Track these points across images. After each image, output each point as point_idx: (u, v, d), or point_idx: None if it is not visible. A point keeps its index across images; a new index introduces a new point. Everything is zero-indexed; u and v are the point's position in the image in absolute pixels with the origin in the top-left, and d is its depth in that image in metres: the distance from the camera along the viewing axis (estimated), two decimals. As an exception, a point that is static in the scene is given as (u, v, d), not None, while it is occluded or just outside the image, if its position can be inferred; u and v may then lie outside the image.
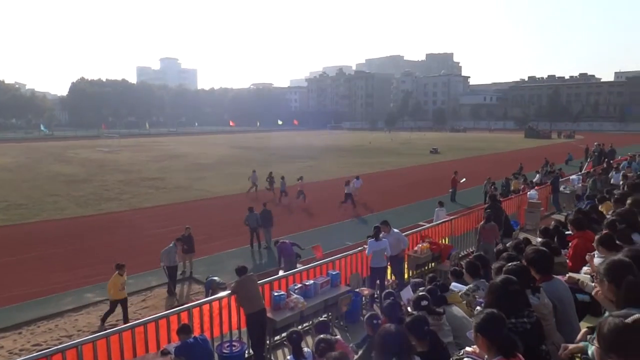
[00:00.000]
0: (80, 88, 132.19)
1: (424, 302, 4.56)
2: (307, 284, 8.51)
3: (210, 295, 9.36)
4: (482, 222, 12.40)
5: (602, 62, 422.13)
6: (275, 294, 8.02)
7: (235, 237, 17.18)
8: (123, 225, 19.80)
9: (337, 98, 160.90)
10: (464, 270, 6.19)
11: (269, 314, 7.82)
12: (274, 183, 26.68)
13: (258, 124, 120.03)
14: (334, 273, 9.06)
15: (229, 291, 8.01)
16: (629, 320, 1.78)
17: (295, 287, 8.42)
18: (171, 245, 12.68)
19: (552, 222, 9.42)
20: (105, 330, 7.67)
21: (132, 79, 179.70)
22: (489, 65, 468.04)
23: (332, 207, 22.45)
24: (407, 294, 6.27)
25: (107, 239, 17.62)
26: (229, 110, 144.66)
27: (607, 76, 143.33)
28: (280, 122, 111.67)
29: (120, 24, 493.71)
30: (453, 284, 6.74)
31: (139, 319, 8.77)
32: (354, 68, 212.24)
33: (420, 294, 4.77)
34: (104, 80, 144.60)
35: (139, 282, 13.11)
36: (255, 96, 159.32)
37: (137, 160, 46.24)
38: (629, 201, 6.95)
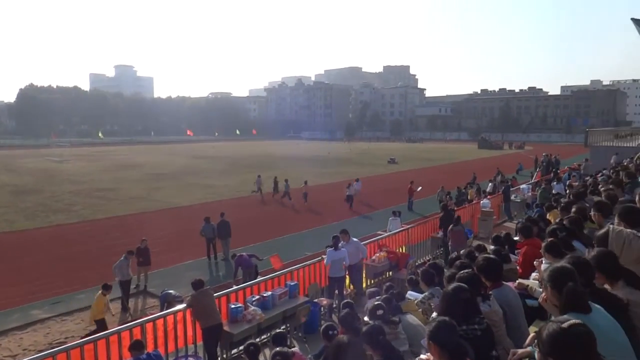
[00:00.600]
0: (29, 95, 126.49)
1: (380, 312, 4.61)
2: (265, 295, 8.45)
3: (166, 309, 9.13)
4: (451, 226, 13.07)
5: (550, 77, 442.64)
6: (233, 306, 7.91)
7: (192, 248, 16.84)
8: (74, 238, 19.05)
9: (296, 108, 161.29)
10: (419, 279, 6.30)
11: (225, 327, 7.70)
12: (278, 185, 28.79)
13: (216, 133, 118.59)
14: (292, 284, 9.04)
15: (185, 304, 7.84)
16: (565, 325, 1.86)
17: (253, 299, 8.33)
18: (122, 258, 12.28)
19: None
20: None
21: (85, 86, 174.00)
22: (443, 78, 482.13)
23: (293, 216, 22.41)
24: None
25: (56, 253, 16.90)
26: (187, 119, 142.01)
27: (554, 90, 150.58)
28: (238, 132, 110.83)
29: (72, 29, 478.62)
30: (409, 292, 6.84)
31: (90, 335, 8.43)
32: (313, 79, 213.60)
33: (376, 303, 4.81)
34: (55, 87, 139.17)
35: (90, 297, 12.59)
36: (213, 105, 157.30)
37: (89, 170, 44.69)
38: (573, 209, 7.28)
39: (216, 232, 16.08)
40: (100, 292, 10.35)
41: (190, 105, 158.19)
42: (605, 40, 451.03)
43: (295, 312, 8.60)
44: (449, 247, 13.02)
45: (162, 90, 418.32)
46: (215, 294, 8.12)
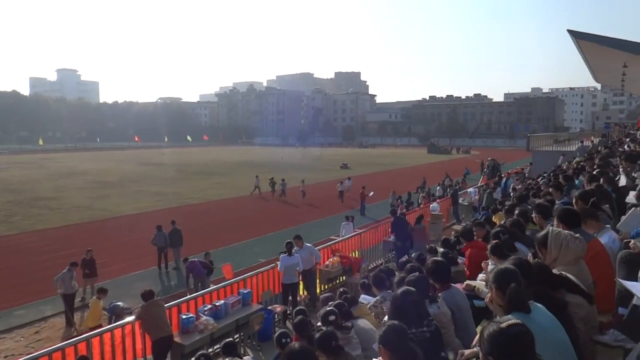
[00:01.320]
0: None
1: (332, 317, 4.63)
2: (217, 304, 8.29)
3: (115, 322, 8.78)
4: (413, 224, 14.08)
5: (494, 84, 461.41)
6: (184, 316, 7.72)
7: (141, 258, 16.32)
8: (13, 250, 18.03)
9: (248, 114, 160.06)
10: (371, 283, 6.38)
11: (177, 339, 7.50)
12: (275, 185, 32.05)
13: (166, 139, 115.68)
14: (245, 292, 8.92)
15: (134, 316, 7.58)
16: (504, 325, 1.93)
17: (205, 309, 8.16)
18: (65, 270, 11.70)
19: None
20: None
21: (25, 90, 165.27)
22: (393, 84, 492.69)
23: (241, 223, 22.17)
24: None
25: (-7, 266, 15.92)
26: (135, 125, 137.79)
27: (498, 97, 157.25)
28: (189, 138, 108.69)
29: (11, 31, 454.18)
30: (362, 296, 6.91)
31: (31, 353, 7.98)
32: (264, 84, 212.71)
33: (328, 309, 4.83)
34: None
35: (31, 313, 11.98)
36: (162, 110, 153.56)
37: (29, 178, 42.42)
38: (516, 212, 7.60)
39: (168, 241, 15.67)
40: (94, 297, 10.24)
41: (139, 111, 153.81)
42: (545, 50, 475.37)
43: (249, 320, 8.49)
44: (412, 245, 13.62)
45: (108, 95, 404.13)
46: (166, 305, 7.90)
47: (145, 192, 33.24)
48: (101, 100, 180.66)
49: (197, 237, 18.84)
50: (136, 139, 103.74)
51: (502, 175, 27.52)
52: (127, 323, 7.45)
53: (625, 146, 14.49)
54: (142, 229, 19.58)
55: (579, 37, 24.73)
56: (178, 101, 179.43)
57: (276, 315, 9.69)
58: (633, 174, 7.05)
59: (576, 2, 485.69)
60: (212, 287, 9.62)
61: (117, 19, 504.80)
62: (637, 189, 5.71)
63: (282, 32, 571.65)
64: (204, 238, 19.07)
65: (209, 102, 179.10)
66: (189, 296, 8.78)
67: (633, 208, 4.56)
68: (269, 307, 9.51)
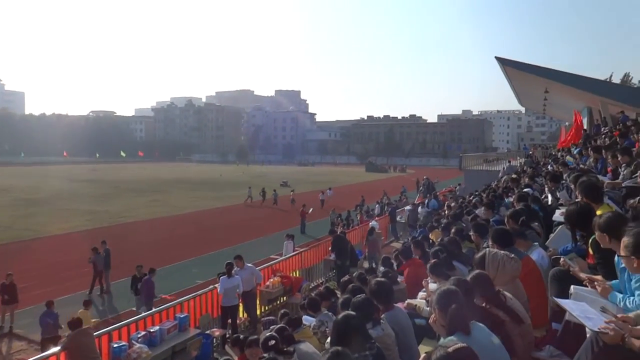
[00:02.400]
0: None
1: (272, 342, 4.53)
2: (152, 330, 7.89)
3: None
4: (366, 236, 15.58)
5: (428, 105, 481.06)
6: (115, 345, 7.27)
7: (69, 281, 15.34)
8: None
9: (186, 129, 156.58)
10: (306, 306, 6.36)
11: (107, 369, 7.06)
12: (266, 194, 37.10)
13: (97, 154, 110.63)
14: (182, 316, 8.57)
15: (59, 347, 7.05)
16: (450, 349, 1.97)
17: (139, 336, 7.73)
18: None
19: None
20: None
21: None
22: (332, 103, 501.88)
23: (179, 243, 21.48)
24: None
25: None
26: (64, 139, 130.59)
27: (432, 118, 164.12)
28: (123, 154, 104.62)
29: None
30: (304, 317, 6.83)
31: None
32: (203, 100, 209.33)
33: (268, 334, 4.73)
34: None
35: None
36: (94, 124, 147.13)
37: (-59, 196, 38.99)
38: (453, 230, 7.86)
39: (103, 263, 14.82)
40: (81, 310, 10.23)
41: (68, 124, 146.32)
42: (474, 74, 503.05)
43: (186, 346, 8.15)
44: (365, 255, 15.64)
45: (35, 106, 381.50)
46: (95, 333, 7.43)
47: (74, 210, 31.45)
48: (27, 112, 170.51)
49: (130, 258, 17.99)
50: (65, 154, 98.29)
51: (437, 193, 28.54)
52: (52, 355, 6.91)
53: (549, 166, 15.46)
54: (70, 250, 18.48)
55: (506, 64, 26.44)
56: (111, 115, 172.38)
57: (215, 340, 9.38)
58: (557, 193, 7.50)
59: (504, 31, 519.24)
60: (145, 312, 9.17)
61: (46, 26, 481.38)
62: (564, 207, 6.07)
63: (221, 48, 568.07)
64: (136, 259, 18.15)
65: (145, 117, 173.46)
66: (120, 323, 8.30)
67: (561, 226, 4.83)
68: (208, 332, 9.19)
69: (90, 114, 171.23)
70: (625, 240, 2.46)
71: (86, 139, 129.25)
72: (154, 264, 16.71)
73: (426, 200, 23.00)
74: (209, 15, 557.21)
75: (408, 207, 24.56)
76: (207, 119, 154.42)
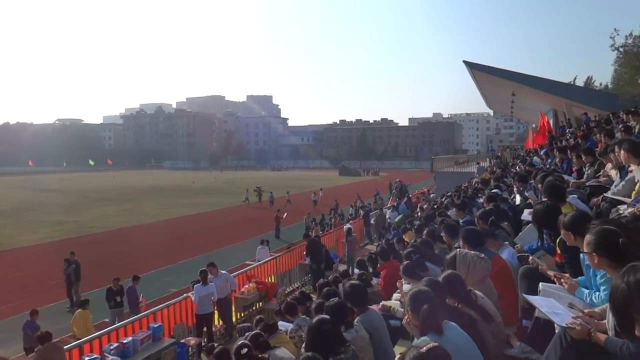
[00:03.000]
0: None
1: (244, 351, 4.51)
2: (124, 341, 7.71)
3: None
4: (345, 237, 16.41)
5: (399, 109, 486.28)
6: (87, 358, 7.09)
7: (36, 295, 14.87)
8: None
9: (156, 136, 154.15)
10: (282, 310, 6.34)
11: (78, 383, 6.86)
12: (261, 195, 40.76)
13: (65, 164, 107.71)
14: (155, 326, 8.40)
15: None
16: (424, 349, 2.01)
17: (111, 347, 7.55)
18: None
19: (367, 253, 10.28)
20: None
21: None
22: (305, 108, 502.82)
23: (151, 251, 21.10)
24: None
25: None
26: (29, 148, 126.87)
27: (403, 121, 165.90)
28: (91, 162, 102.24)
29: None
30: (280, 322, 6.81)
31: None
32: (174, 106, 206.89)
33: (240, 342, 4.70)
34: None
35: None
36: (61, 133, 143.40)
37: None
38: (425, 232, 7.96)
39: (75, 274, 14.42)
40: (80, 310, 10.50)
41: (33, 133, 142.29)
42: (444, 78, 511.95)
43: (160, 357, 8.00)
44: (345, 254, 16.37)
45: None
46: (65, 347, 7.22)
47: (41, 221, 30.54)
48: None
49: (100, 269, 17.59)
50: (30, 163, 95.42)
51: (410, 195, 28.87)
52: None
53: (517, 167, 15.84)
54: (37, 263, 17.91)
55: (474, 68, 27.01)
56: (79, 123, 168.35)
57: (190, 349, 9.24)
58: (525, 193, 7.69)
59: (471, 35, 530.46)
60: (118, 324, 8.97)
61: (8, 31, 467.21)
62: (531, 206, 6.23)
63: (191, 53, 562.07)
64: (108, 269, 17.77)
65: (114, 124, 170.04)
66: (91, 335, 8.10)
67: (530, 224, 4.95)
68: (182, 341, 9.04)
69: (57, 122, 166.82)
70: (587, 237, 2.55)
71: (52, 147, 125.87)
72: (126, 273, 16.40)
73: (396, 204, 23.22)
74: (178, 20, 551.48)
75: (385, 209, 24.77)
76: (178, 125, 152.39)
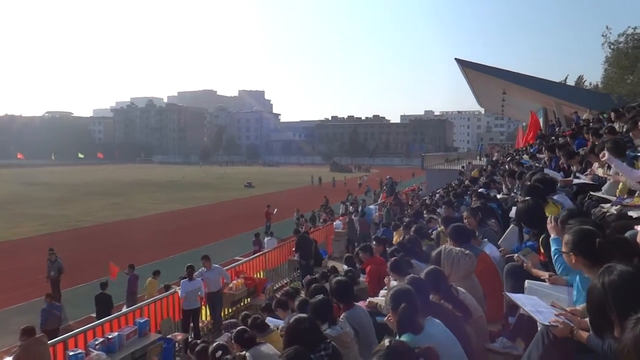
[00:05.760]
0: None
1: (219, 353, 4.49)
2: (110, 337, 7.64)
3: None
4: (357, 217, 18.09)
5: (391, 106, 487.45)
6: (71, 353, 7.00)
7: (22, 289, 14.69)
8: None
9: (147, 130, 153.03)
10: (274, 306, 6.31)
11: (62, 378, 6.79)
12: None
13: (53, 156, 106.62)
14: (141, 321, 8.34)
15: (11, 358, 6.74)
16: (384, 350, 2.01)
17: (96, 342, 7.48)
18: None
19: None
20: None
21: None
22: (297, 103, 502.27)
23: (140, 246, 20.96)
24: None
25: None
26: (17, 140, 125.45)
27: (395, 118, 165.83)
28: (81, 155, 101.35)
29: None
30: (268, 319, 6.77)
31: None
32: (165, 100, 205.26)
33: (215, 344, 4.69)
34: None
35: None
36: (50, 126, 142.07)
37: None
38: (413, 228, 7.98)
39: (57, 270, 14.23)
40: (150, 279, 11.74)
41: (22, 125, 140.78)
42: (436, 75, 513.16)
43: (147, 352, 7.95)
44: (357, 233, 17.64)
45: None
46: (50, 341, 7.13)
47: (28, 215, 30.22)
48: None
49: (87, 264, 17.46)
50: (19, 156, 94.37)
51: (399, 193, 28.93)
52: (3, 365, 6.62)
53: (507, 165, 15.91)
54: (23, 257, 17.71)
55: (465, 66, 27.05)
56: (68, 115, 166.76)
57: (177, 344, 9.19)
58: (514, 191, 7.73)
59: (464, 34, 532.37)
60: (104, 318, 8.87)
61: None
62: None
63: (184, 47, 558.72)
64: (94, 264, 17.63)
65: (104, 118, 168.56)
66: (75, 330, 8.02)
67: (512, 225, 4.97)
68: (169, 336, 9.00)
69: (46, 114, 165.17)
70: (565, 237, 2.57)
71: (41, 140, 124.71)
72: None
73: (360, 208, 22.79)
74: (171, 14, 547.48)
75: (371, 206, 24.73)
76: (168, 119, 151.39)
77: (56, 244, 15.36)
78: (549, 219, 3.37)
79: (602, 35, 21.63)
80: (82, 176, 66.80)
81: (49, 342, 6.93)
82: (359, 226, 18.23)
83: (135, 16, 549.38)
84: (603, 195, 4.51)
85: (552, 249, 3.18)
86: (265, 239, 18.27)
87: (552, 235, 3.25)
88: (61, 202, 36.89)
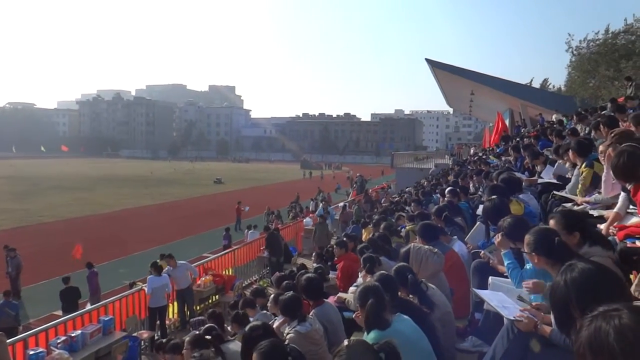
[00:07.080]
0: None
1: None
2: (72, 335, 7.44)
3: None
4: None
5: (362, 104, 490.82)
6: (32, 352, 6.78)
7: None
8: None
9: (114, 124, 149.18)
10: (240, 306, 6.28)
11: (22, 378, 6.57)
12: None
13: (14, 149, 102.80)
14: (106, 319, 8.15)
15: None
16: (345, 347, 2.01)
17: (58, 341, 7.27)
18: None
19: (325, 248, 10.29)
20: None
21: None
22: (268, 99, 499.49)
23: (106, 243, 20.47)
24: None
25: None
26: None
27: (365, 116, 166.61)
28: (43, 149, 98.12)
29: None
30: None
31: None
32: (133, 93, 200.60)
33: (172, 342, 4.65)
34: None
35: None
36: (11, 117, 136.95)
37: None
38: (382, 225, 8.04)
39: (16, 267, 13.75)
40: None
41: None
42: (406, 75, 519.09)
43: (111, 351, 7.77)
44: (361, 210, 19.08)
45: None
46: (8, 340, 6.89)
47: (-15, 209, 29.12)
48: None
49: (49, 260, 16.93)
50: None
51: (370, 190, 29.16)
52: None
53: (475, 165, 16.24)
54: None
55: (435, 66, 27.45)
56: (31, 107, 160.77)
57: (142, 342, 9.01)
58: (482, 190, 7.90)
59: (432, 33, 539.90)
60: (66, 316, 8.62)
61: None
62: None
63: (152, 40, 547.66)
64: (57, 260, 17.11)
65: (69, 110, 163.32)
66: (37, 328, 7.76)
67: (478, 223, 5.07)
68: (135, 334, 8.81)
69: (7, 105, 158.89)
70: (527, 237, 2.63)
71: (2, 132, 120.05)
72: (77, 265, 15.79)
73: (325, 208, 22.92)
74: (140, 5, 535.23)
75: (341, 204, 24.85)
76: (136, 113, 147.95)
77: (17, 240, 14.84)
78: (495, 235, 3.38)
79: (565, 43, 22.40)
80: (45, 170, 64.68)
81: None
82: (341, 218, 19.29)
83: (103, 6, 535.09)
84: (566, 195, 4.65)
85: (505, 263, 3.16)
86: (249, 232, 18.36)
87: (502, 250, 3.22)
88: (23, 197, 35.66)
